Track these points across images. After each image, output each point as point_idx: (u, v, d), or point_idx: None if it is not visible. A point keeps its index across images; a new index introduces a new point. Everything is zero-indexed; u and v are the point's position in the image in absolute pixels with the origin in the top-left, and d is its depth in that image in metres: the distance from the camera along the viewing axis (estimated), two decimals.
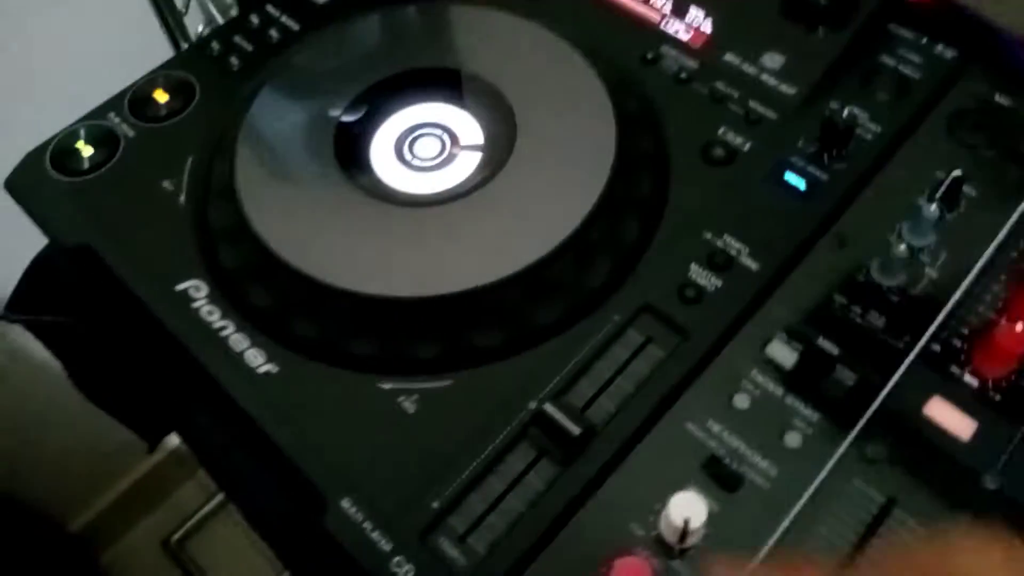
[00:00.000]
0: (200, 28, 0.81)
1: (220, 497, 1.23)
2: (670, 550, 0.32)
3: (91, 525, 1.16)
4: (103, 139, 0.47)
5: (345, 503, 0.34)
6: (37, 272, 0.57)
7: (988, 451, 0.33)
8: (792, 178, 0.42)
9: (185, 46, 0.82)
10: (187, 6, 0.80)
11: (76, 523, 1.16)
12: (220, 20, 0.77)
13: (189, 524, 1.21)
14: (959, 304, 0.37)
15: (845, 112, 0.42)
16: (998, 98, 0.44)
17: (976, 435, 0.34)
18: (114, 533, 1.21)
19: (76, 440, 1.06)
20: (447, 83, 0.46)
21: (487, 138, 0.44)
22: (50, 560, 1.07)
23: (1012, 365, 0.35)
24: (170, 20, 0.81)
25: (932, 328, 0.37)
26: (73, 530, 1.15)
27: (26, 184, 0.47)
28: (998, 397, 0.35)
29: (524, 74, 0.45)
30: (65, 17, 0.78)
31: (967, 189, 0.40)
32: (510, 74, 0.45)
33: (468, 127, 0.45)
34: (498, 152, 0.43)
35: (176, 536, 1.21)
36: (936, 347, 0.36)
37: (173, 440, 1.18)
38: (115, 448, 1.13)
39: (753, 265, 0.39)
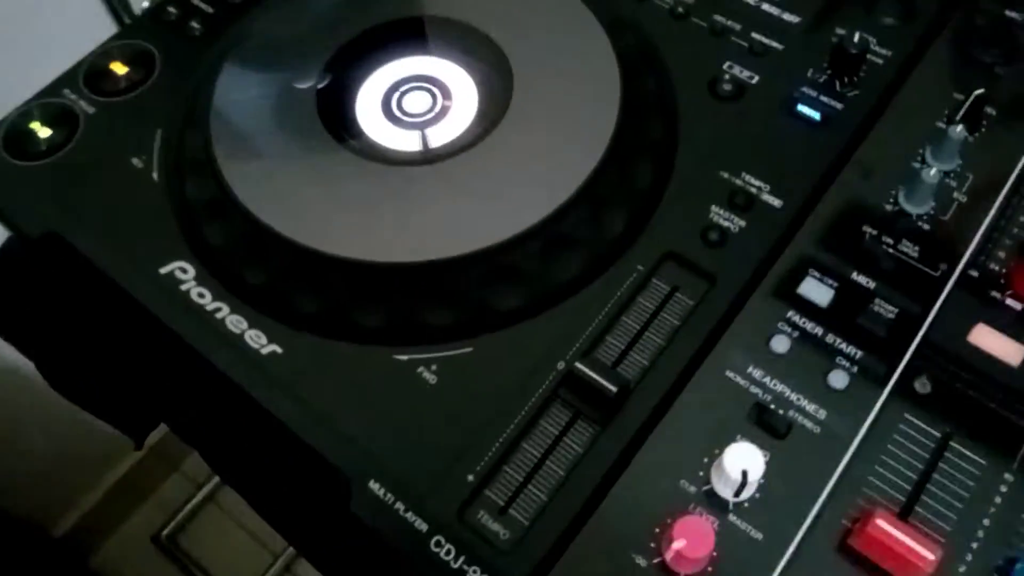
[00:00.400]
0: (145, 3, 0.76)
1: (208, 487, 1.20)
2: (724, 504, 0.31)
3: (78, 528, 1.13)
4: (60, 118, 0.43)
5: (373, 485, 0.32)
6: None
7: None
8: (805, 109, 0.40)
9: (128, 20, 0.77)
10: None
11: (62, 527, 1.12)
12: None
13: (179, 517, 1.18)
14: (992, 227, 0.36)
15: (855, 37, 0.40)
16: (1008, 13, 0.42)
17: None
18: (102, 534, 1.17)
19: (54, 442, 1.02)
20: (432, 33, 0.43)
21: (480, 88, 0.41)
22: (38, 568, 1.03)
23: None
24: None
25: (968, 253, 0.35)
26: (59, 535, 1.11)
27: None
28: None
29: (514, 17, 0.42)
30: None
31: (987, 109, 0.39)
32: (499, 18, 0.42)
33: (459, 78, 0.42)
34: (494, 102, 0.40)
35: (167, 531, 1.18)
36: (974, 273, 0.35)
37: (155, 434, 1.15)
38: (96, 447, 1.10)
39: (775, 202, 0.38)
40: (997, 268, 0.35)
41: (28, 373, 0.58)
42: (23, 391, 0.90)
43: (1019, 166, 0.37)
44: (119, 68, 0.45)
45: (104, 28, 0.76)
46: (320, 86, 0.41)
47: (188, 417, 0.44)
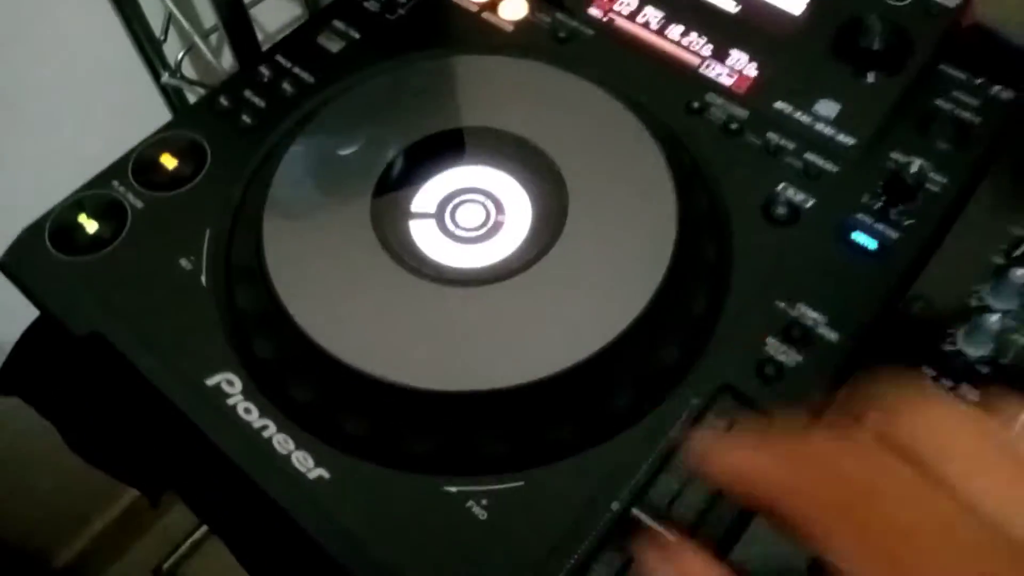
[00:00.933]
0: (180, 55, 0.77)
1: None
2: None
3: (79, 558, 1.12)
4: (108, 211, 0.43)
5: None
6: (29, 343, 0.53)
7: None
8: (861, 237, 0.40)
9: (165, 75, 0.77)
10: (166, 32, 0.76)
11: (63, 558, 1.11)
12: (201, 45, 0.73)
13: (181, 549, 1.17)
14: None
15: (913, 166, 0.40)
16: None
17: None
18: (103, 566, 1.16)
19: (55, 473, 1.01)
20: (486, 145, 0.43)
21: (534, 204, 0.41)
22: None
23: None
24: (147, 48, 0.76)
25: None
26: (60, 565, 1.10)
27: (24, 264, 0.43)
28: None
29: (568, 131, 0.42)
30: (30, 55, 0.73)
31: None
32: (553, 132, 0.42)
33: (513, 193, 0.41)
34: (549, 221, 0.40)
35: (168, 563, 1.16)
36: None
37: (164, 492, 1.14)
38: (97, 478, 1.09)
39: (833, 336, 0.37)
40: None
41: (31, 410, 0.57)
42: (26, 423, 0.89)
43: None
44: (168, 161, 0.45)
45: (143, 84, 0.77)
46: (374, 196, 0.41)
47: (224, 523, 0.43)
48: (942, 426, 0.22)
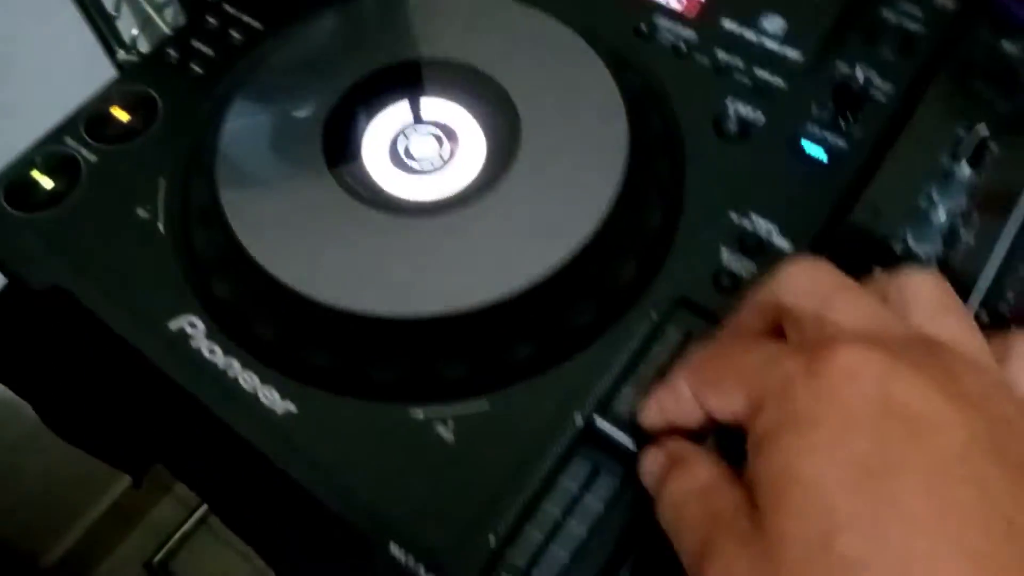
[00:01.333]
0: (134, 31, 0.76)
1: (200, 511, 1.20)
2: None
3: (69, 556, 1.12)
4: (62, 166, 0.43)
5: (393, 548, 0.32)
6: None
7: None
8: (811, 148, 0.40)
9: (120, 51, 0.76)
10: (118, 8, 0.75)
11: (53, 555, 1.11)
12: (157, 20, 0.72)
13: (171, 542, 1.18)
14: (1004, 265, 0.36)
15: (859, 75, 0.40)
16: (1006, 45, 0.43)
17: None
18: (94, 561, 1.16)
19: (43, 469, 1.01)
20: (435, 76, 0.43)
21: (487, 134, 0.41)
22: None
23: None
24: (101, 25, 0.75)
25: (977, 294, 0.36)
26: (50, 563, 1.10)
27: None
28: None
29: (518, 59, 0.42)
30: None
31: (991, 144, 0.39)
32: (504, 60, 0.42)
33: (465, 123, 0.42)
34: (502, 149, 0.40)
35: (159, 556, 1.17)
36: (984, 316, 0.35)
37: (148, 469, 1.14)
38: (85, 473, 1.09)
39: (785, 244, 0.38)
40: (1008, 308, 0.35)
41: (18, 402, 0.57)
42: (12, 419, 0.89)
43: None
44: (120, 114, 0.44)
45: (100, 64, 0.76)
46: (325, 131, 0.41)
47: (196, 470, 0.44)
48: (800, 277, 0.26)
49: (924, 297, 0.25)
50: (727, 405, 0.24)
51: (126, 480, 1.16)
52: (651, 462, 0.29)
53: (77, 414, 0.57)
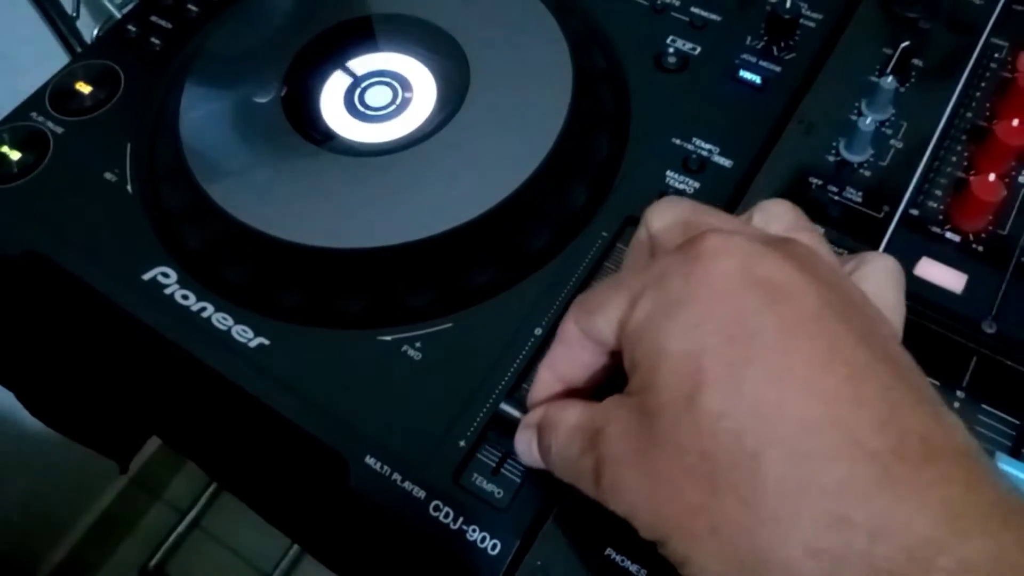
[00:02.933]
0: (95, 31, 0.77)
1: (193, 514, 1.20)
2: None
3: (63, 567, 1.12)
4: (29, 140, 0.44)
5: (369, 460, 0.33)
6: None
7: (982, 299, 0.35)
8: (747, 75, 0.42)
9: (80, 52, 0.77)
10: (77, 8, 0.76)
11: (46, 566, 1.11)
12: (117, 15, 0.73)
13: (165, 546, 1.18)
14: (928, 168, 0.38)
15: (787, 3, 0.43)
16: None
17: (968, 286, 0.35)
18: (89, 571, 1.16)
19: (33, 480, 1.01)
20: (386, 30, 0.45)
21: (438, 78, 0.43)
22: None
23: (988, 215, 0.37)
24: (61, 27, 0.76)
25: (908, 194, 0.38)
26: (46, 572, 1.10)
27: None
28: (980, 248, 0.36)
29: (465, 8, 0.44)
30: None
31: (914, 60, 0.42)
32: (450, 10, 0.44)
33: (416, 70, 0.43)
34: (452, 91, 0.42)
35: (153, 561, 1.17)
36: (915, 212, 0.37)
37: (135, 462, 1.14)
38: (75, 483, 1.09)
39: (726, 162, 0.40)
40: (936, 205, 0.38)
41: (5, 411, 0.58)
42: (0, 430, 0.89)
43: (947, 110, 0.40)
44: (84, 87, 0.46)
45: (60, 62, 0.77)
46: (283, 87, 0.42)
47: (179, 423, 0.45)
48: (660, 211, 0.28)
49: (781, 217, 0.27)
50: (613, 315, 0.25)
51: (117, 487, 1.16)
52: (520, 442, 0.29)
53: (59, 396, 0.58)
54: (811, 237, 0.26)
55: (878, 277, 0.26)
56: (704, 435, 0.21)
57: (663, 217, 0.27)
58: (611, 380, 0.27)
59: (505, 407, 0.32)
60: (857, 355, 0.21)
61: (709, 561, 0.21)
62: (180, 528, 1.20)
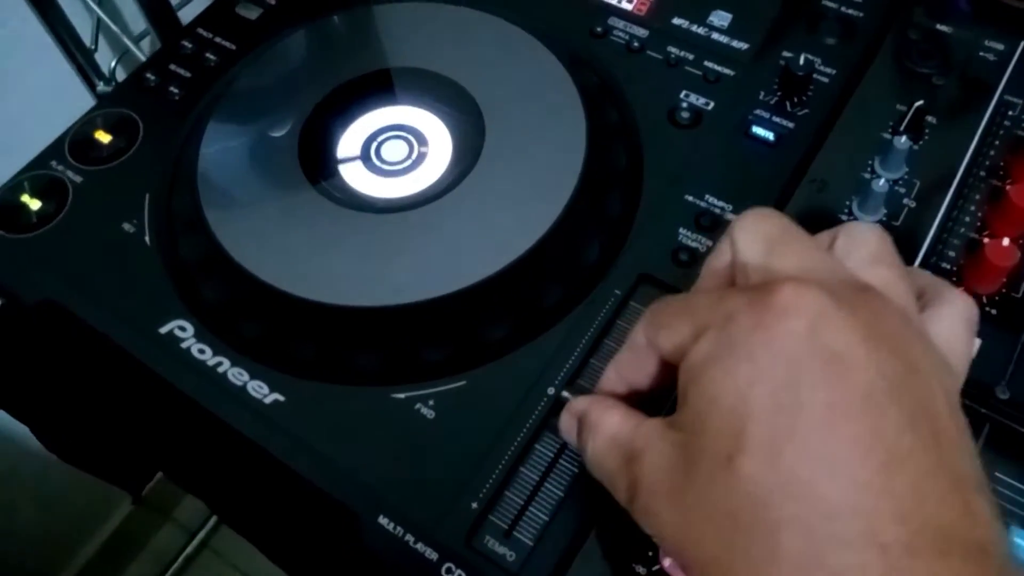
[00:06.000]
0: (112, 63, 0.78)
1: (202, 534, 1.20)
2: None
3: None
4: (49, 189, 0.45)
5: (382, 519, 0.34)
6: None
7: (995, 363, 0.35)
8: (759, 131, 0.43)
9: (99, 83, 0.78)
10: (96, 41, 0.77)
11: None
12: (135, 50, 0.74)
13: (174, 567, 1.18)
14: (941, 228, 0.39)
15: (801, 60, 0.43)
16: (940, 27, 0.45)
17: (981, 351, 0.35)
18: None
19: (43, 502, 1.02)
20: (402, 84, 0.45)
21: (453, 133, 0.44)
22: None
23: (1001, 279, 0.37)
24: (80, 58, 0.77)
25: (921, 255, 0.38)
26: None
27: None
28: (994, 311, 0.36)
29: (480, 64, 0.45)
30: None
31: (928, 118, 0.42)
32: (466, 65, 0.45)
33: (433, 125, 0.44)
34: (469, 146, 0.42)
35: None
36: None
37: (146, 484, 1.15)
38: (86, 504, 1.10)
39: None
40: (949, 267, 0.38)
41: (15, 434, 0.58)
42: (10, 451, 0.90)
43: (961, 169, 0.40)
44: (103, 136, 0.47)
45: (80, 96, 0.78)
46: (300, 141, 0.43)
47: (192, 472, 0.45)
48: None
49: (864, 245, 0.27)
50: (676, 339, 0.26)
51: (125, 509, 1.17)
52: (564, 424, 0.31)
53: (74, 433, 0.59)
54: (890, 273, 0.26)
55: (952, 322, 0.27)
56: (733, 496, 0.22)
57: (749, 238, 0.27)
58: (671, 389, 0.28)
59: (566, 395, 0.33)
60: (900, 442, 0.22)
61: None
62: (189, 549, 1.20)
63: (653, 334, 0.27)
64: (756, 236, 0.27)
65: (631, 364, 0.29)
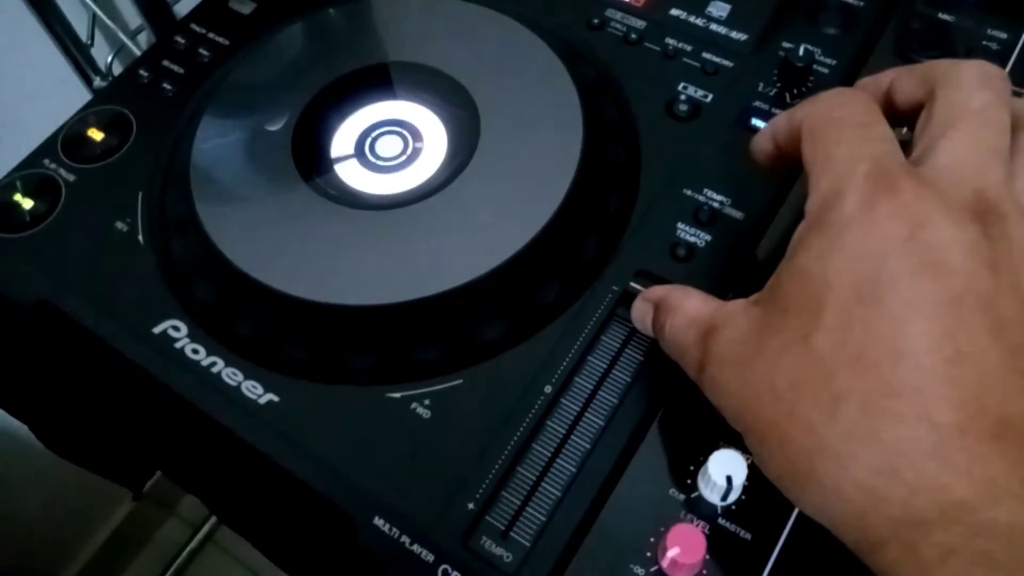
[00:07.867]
0: (109, 58, 0.77)
1: (206, 528, 1.20)
2: (713, 509, 0.32)
3: None
4: (42, 188, 0.45)
5: (378, 521, 0.33)
6: None
7: None
8: (759, 123, 0.42)
9: (96, 78, 0.78)
10: (92, 37, 0.76)
11: None
12: (131, 45, 0.73)
13: (178, 562, 1.18)
14: None
15: (801, 50, 0.42)
16: (942, 15, 0.45)
17: None
18: None
19: (45, 497, 1.02)
20: (395, 79, 0.45)
21: (448, 128, 0.43)
22: None
23: None
24: (76, 54, 0.77)
25: None
26: None
27: None
28: None
29: (475, 57, 0.44)
30: None
31: None
32: (461, 59, 0.44)
33: (427, 120, 0.43)
34: (464, 141, 0.42)
35: None
36: None
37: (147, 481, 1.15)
38: (88, 498, 1.10)
39: (737, 215, 0.39)
40: None
41: (16, 431, 0.58)
42: (11, 448, 0.90)
43: None
44: (95, 134, 0.46)
45: (74, 88, 0.78)
46: (293, 137, 0.42)
47: (188, 471, 0.45)
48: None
49: None
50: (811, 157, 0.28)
51: (128, 505, 1.17)
52: (637, 311, 0.34)
53: (72, 431, 0.58)
54: None
55: None
56: (801, 368, 0.24)
57: (976, 120, 0.27)
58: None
59: (635, 285, 0.37)
60: (973, 343, 0.23)
61: (771, 465, 0.26)
62: (193, 543, 1.20)
63: (806, 137, 0.29)
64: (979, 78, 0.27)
65: (784, 134, 0.31)
